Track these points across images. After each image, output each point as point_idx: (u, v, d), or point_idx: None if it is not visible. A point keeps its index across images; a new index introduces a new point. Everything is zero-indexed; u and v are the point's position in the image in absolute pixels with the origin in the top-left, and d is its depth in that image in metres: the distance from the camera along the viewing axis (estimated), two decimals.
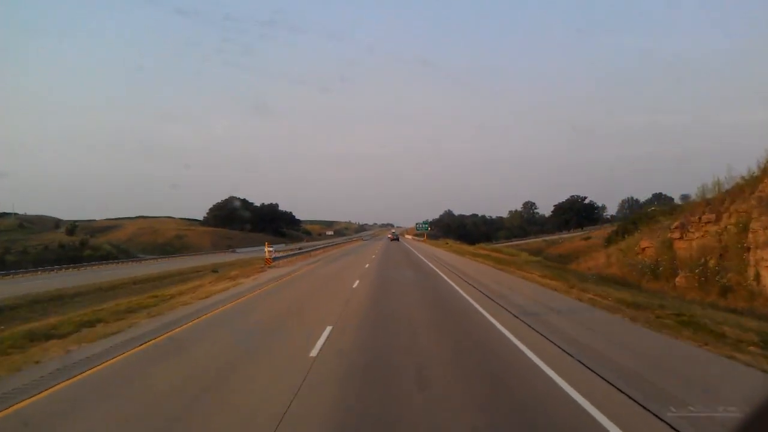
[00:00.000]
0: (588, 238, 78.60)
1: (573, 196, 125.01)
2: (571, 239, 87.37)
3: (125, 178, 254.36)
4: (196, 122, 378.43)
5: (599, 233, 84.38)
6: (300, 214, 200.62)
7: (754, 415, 1.21)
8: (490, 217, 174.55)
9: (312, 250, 50.63)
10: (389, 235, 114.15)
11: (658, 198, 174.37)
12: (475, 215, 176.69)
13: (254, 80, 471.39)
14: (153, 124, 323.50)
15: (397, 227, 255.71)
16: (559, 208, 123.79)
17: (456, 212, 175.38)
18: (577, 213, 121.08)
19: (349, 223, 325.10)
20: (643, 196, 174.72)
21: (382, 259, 35.26)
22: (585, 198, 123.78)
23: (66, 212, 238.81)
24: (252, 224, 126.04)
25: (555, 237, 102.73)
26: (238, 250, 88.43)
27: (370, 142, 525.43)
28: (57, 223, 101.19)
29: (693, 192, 24.19)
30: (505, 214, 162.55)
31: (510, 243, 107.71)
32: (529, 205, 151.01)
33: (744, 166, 27.61)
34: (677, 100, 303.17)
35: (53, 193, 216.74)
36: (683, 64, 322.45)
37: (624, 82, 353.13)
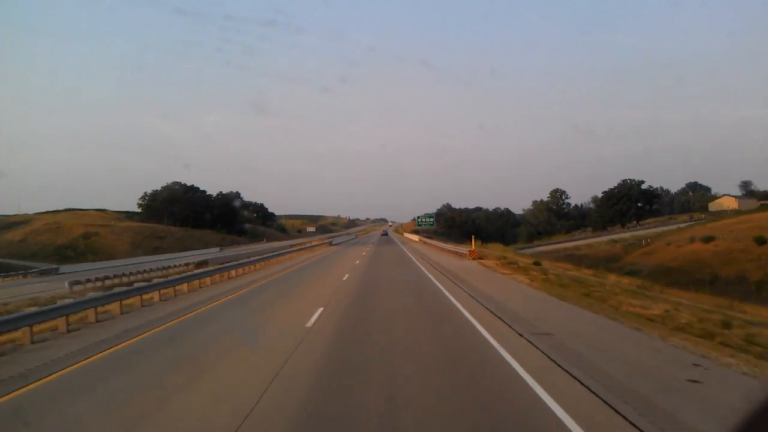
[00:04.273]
0: (709, 239, 47.68)
1: (625, 180, 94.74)
2: (662, 239, 56.35)
3: (107, 171, 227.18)
4: (192, 120, 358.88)
5: (707, 230, 53.32)
6: (287, 210, 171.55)
7: (754, 415, 1.18)
8: (501, 209, 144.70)
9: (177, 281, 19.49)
10: (381, 232, 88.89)
11: (694, 188, 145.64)
12: (479, 209, 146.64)
13: (254, 80, 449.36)
14: (148, 121, 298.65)
15: (392, 222, 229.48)
16: (610, 197, 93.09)
17: (455, 206, 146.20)
18: (634, 202, 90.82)
19: (338, 218, 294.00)
20: (674, 187, 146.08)
21: None
22: (642, 182, 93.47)
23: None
24: (200, 218, 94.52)
25: (625, 234, 71.66)
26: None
27: (366, 138, 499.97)
28: None
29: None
30: (512, 208, 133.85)
31: (558, 244, 76.67)
32: (559, 194, 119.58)
33: None
34: (676, 98, 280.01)
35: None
36: (680, 63, 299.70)
37: (624, 80, 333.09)
